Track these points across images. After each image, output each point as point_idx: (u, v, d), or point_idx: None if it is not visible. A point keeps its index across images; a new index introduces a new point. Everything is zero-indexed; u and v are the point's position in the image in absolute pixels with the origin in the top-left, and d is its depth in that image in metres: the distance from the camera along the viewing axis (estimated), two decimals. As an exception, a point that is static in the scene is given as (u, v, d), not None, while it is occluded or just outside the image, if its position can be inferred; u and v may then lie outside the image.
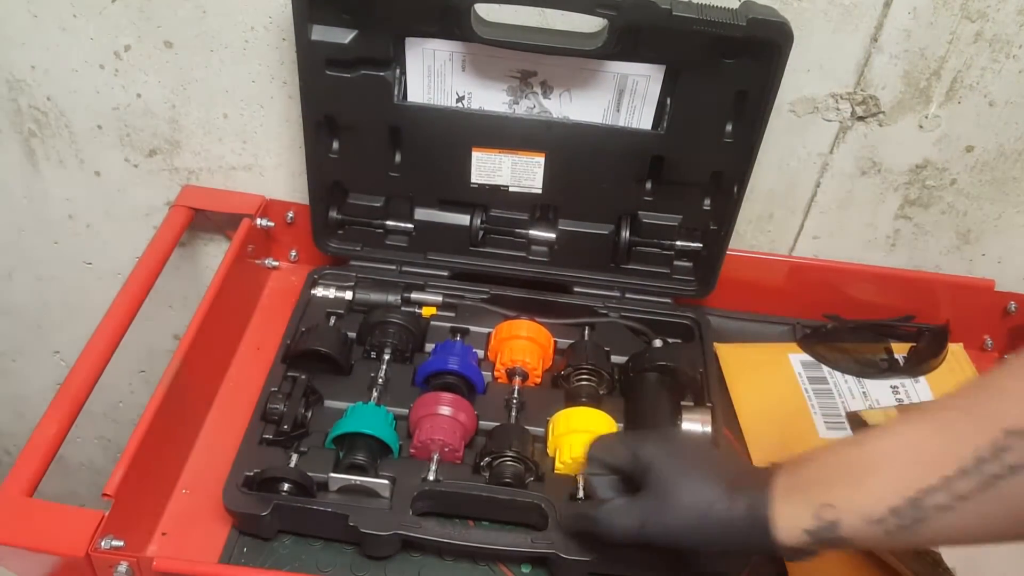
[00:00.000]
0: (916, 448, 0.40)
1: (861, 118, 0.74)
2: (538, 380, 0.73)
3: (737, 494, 0.45)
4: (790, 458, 0.46)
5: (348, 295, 0.77)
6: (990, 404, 0.39)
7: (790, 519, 0.43)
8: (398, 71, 0.68)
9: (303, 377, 0.69)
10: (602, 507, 0.52)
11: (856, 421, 0.74)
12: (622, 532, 0.50)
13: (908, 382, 0.79)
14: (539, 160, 0.72)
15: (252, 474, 0.61)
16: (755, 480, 0.45)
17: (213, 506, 0.61)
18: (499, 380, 0.73)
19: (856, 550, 0.51)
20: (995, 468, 0.37)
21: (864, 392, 0.78)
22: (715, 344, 0.79)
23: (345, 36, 0.65)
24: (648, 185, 0.74)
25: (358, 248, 0.79)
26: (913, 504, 0.39)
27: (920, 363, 0.80)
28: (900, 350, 0.81)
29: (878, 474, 0.40)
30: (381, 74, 0.68)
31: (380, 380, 0.70)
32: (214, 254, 0.91)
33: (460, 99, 0.70)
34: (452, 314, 0.76)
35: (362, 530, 0.58)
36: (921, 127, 0.74)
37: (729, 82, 0.66)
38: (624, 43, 0.64)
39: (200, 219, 0.83)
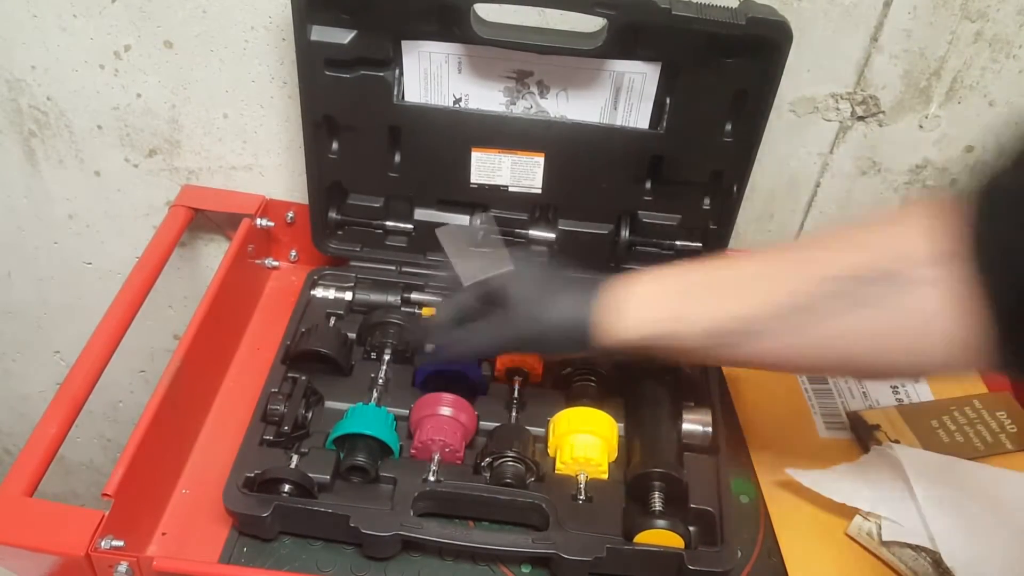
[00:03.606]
0: (748, 276, 0.47)
1: (861, 118, 0.74)
2: (538, 380, 0.73)
3: (576, 301, 0.53)
4: (627, 278, 0.52)
5: (348, 296, 0.77)
6: (825, 252, 0.45)
7: (619, 329, 0.50)
8: (397, 71, 0.68)
9: (303, 378, 0.69)
10: (465, 329, 0.58)
11: (856, 421, 0.74)
12: (483, 349, 0.60)
13: (908, 382, 0.79)
14: (539, 160, 0.72)
15: (253, 475, 0.61)
16: (589, 293, 0.52)
17: (213, 506, 0.61)
18: (499, 380, 0.73)
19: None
20: (817, 305, 0.43)
21: (864, 392, 0.78)
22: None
23: (344, 36, 0.65)
24: (648, 185, 0.74)
25: (358, 248, 0.79)
26: (737, 330, 0.46)
27: (920, 363, 0.80)
28: (900, 350, 0.81)
29: (709, 298, 0.48)
30: (380, 74, 0.68)
31: (380, 381, 0.70)
32: (214, 254, 0.91)
33: (457, 101, 0.70)
34: (452, 314, 0.76)
35: (363, 531, 0.58)
36: (921, 127, 0.74)
37: (729, 81, 0.66)
38: (623, 42, 0.64)
39: (200, 219, 0.83)
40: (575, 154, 0.72)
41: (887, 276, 0.42)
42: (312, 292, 0.77)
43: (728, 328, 0.46)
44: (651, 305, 0.50)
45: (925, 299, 0.42)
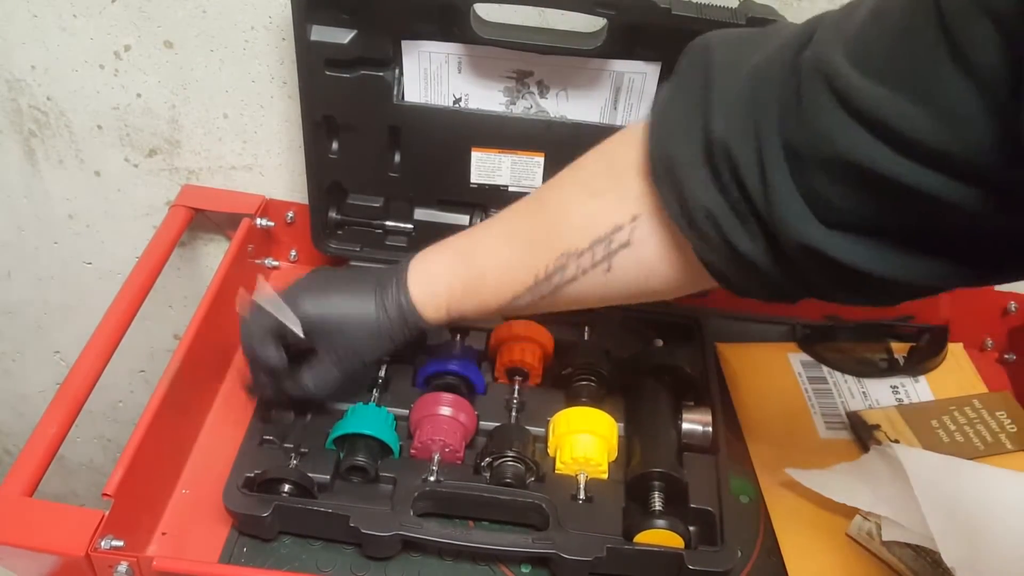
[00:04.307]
0: (505, 267, 0.55)
1: (861, 118, 0.74)
2: (538, 380, 0.73)
3: (394, 318, 0.58)
4: (420, 273, 0.59)
5: (348, 295, 0.77)
6: (552, 230, 0.52)
7: (431, 318, 0.58)
8: (397, 71, 0.68)
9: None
10: (302, 377, 0.61)
11: (856, 421, 0.74)
12: (321, 391, 0.62)
13: (908, 382, 0.79)
14: (539, 160, 0.72)
15: (252, 475, 0.61)
16: (400, 309, 0.58)
17: (213, 506, 0.61)
18: (499, 380, 0.73)
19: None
20: (558, 279, 0.52)
21: (864, 392, 0.78)
22: (716, 344, 0.79)
23: (344, 36, 0.65)
24: (648, 185, 0.74)
25: (357, 248, 0.79)
26: (511, 303, 0.55)
27: (920, 363, 0.80)
28: (900, 350, 0.81)
29: (485, 289, 0.56)
30: (380, 74, 0.68)
31: (380, 381, 0.70)
32: (214, 254, 0.91)
33: (457, 101, 0.70)
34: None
35: (363, 531, 0.58)
36: (921, 127, 0.74)
37: (729, 82, 0.66)
38: (623, 42, 0.64)
39: (200, 219, 0.83)
40: (575, 154, 0.71)
41: (611, 244, 0.49)
42: (312, 292, 0.77)
43: (510, 307, 0.56)
44: (441, 297, 0.58)
45: (644, 253, 0.49)
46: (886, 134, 0.35)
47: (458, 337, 0.75)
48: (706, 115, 0.43)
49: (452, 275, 0.57)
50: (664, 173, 0.45)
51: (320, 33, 0.65)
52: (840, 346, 0.81)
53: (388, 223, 0.78)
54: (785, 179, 0.39)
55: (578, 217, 0.51)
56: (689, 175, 0.43)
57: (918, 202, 0.36)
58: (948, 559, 0.58)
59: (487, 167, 0.73)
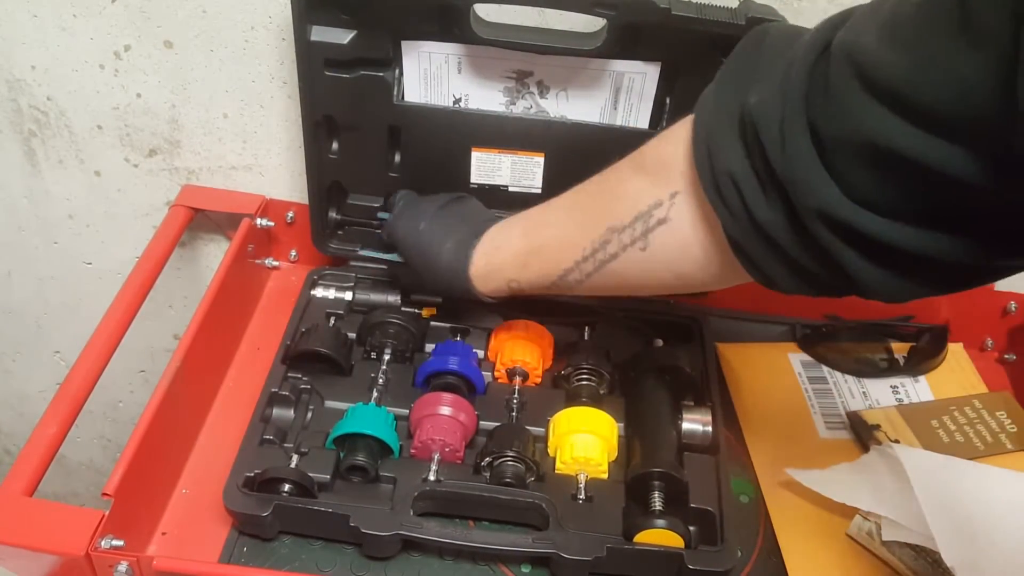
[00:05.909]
0: (559, 240, 0.57)
1: (861, 118, 0.74)
2: (538, 380, 0.73)
3: (454, 270, 0.63)
4: (489, 242, 0.63)
5: (348, 295, 0.77)
6: (602, 204, 0.54)
7: (490, 288, 0.63)
8: (397, 71, 0.68)
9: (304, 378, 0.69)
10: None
11: (856, 421, 0.74)
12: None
13: (908, 382, 0.79)
14: (539, 160, 0.72)
15: (252, 475, 0.61)
16: (462, 264, 0.63)
17: (213, 506, 0.61)
18: (499, 380, 0.73)
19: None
20: (601, 256, 0.53)
21: (864, 392, 0.78)
22: (716, 344, 0.79)
23: (344, 37, 0.65)
24: (648, 185, 0.74)
25: (358, 249, 0.79)
26: (561, 278, 0.57)
27: (920, 363, 0.80)
28: (900, 350, 0.81)
29: (539, 262, 0.58)
30: (380, 74, 0.68)
31: (380, 380, 0.70)
32: (214, 254, 0.91)
33: (457, 101, 0.70)
34: (452, 314, 0.76)
35: (363, 531, 0.58)
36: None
37: (729, 82, 0.66)
38: (623, 42, 0.64)
39: (200, 219, 0.83)
40: (575, 154, 0.71)
41: (649, 220, 0.50)
42: (312, 292, 0.77)
43: (562, 284, 0.58)
44: (504, 269, 0.61)
45: (678, 233, 0.49)
46: (900, 103, 0.35)
47: (458, 337, 0.75)
48: (746, 91, 0.43)
49: (516, 247, 0.59)
50: (703, 145, 0.46)
51: (320, 33, 0.65)
52: (840, 346, 0.81)
53: (388, 223, 0.78)
54: (808, 148, 0.39)
55: (626, 192, 0.52)
56: (722, 144, 0.44)
57: (932, 178, 0.35)
58: (948, 559, 0.58)
59: (487, 167, 0.73)
